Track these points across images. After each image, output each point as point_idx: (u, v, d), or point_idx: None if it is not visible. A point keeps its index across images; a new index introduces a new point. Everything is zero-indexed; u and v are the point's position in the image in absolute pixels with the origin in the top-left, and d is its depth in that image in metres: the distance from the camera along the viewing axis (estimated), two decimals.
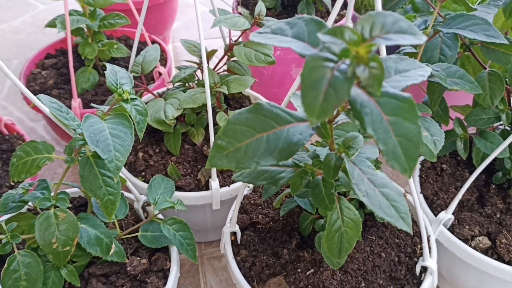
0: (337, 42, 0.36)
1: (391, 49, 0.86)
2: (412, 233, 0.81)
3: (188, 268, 1.05)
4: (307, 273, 0.75)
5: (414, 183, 0.92)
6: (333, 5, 1.31)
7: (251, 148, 0.48)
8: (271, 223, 0.83)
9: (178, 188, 0.92)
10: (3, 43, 1.75)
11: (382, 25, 0.39)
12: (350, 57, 0.37)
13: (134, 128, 0.65)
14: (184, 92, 0.92)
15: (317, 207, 0.63)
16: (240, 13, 1.29)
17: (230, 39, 0.98)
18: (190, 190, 0.92)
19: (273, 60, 0.88)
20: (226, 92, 0.91)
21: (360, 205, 0.79)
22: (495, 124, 0.83)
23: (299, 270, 0.76)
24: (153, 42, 1.31)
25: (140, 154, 0.99)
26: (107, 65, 0.67)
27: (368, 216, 0.83)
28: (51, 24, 1.08)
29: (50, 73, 1.21)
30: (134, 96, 0.66)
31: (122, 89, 0.65)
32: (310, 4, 1.19)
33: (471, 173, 0.91)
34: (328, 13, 1.30)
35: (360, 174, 0.53)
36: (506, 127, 0.83)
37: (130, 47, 1.31)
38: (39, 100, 0.68)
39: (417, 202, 0.86)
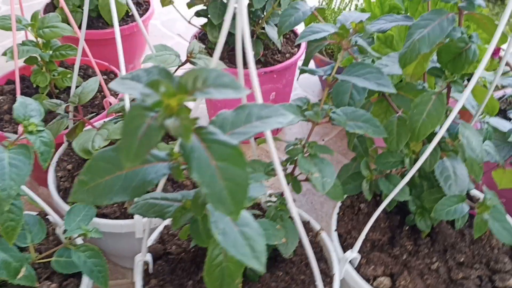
0: (152, 94, 0.40)
1: None
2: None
3: None
4: None
5: (332, 221, 0.95)
6: (284, 43, 1.36)
7: (109, 184, 0.51)
8: (182, 253, 0.85)
9: (104, 216, 0.95)
10: None
11: (204, 79, 0.43)
12: (162, 108, 0.40)
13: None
14: (115, 123, 0.96)
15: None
16: None
17: None
18: (116, 218, 0.95)
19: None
20: None
21: None
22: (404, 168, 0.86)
23: None
24: (110, 71, 1.36)
25: (76, 180, 1.02)
26: (18, 97, 0.71)
27: (278, 251, 0.86)
28: (4, 53, 1.13)
29: (7, 98, 1.26)
30: (42, 128, 0.70)
31: (28, 121, 0.68)
32: (259, 41, 1.24)
33: (385, 213, 0.93)
34: (279, 51, 1.35)
35: None
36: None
37: (89, 76, 1.37)
38: None
39: (328, 240, 0.89)
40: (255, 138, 1.49)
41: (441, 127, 0.81)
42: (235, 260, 0.66)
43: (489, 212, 0.77)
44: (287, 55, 1.34)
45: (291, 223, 0.80)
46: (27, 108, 0.71)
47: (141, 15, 1.61)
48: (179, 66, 0.98)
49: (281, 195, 0.83)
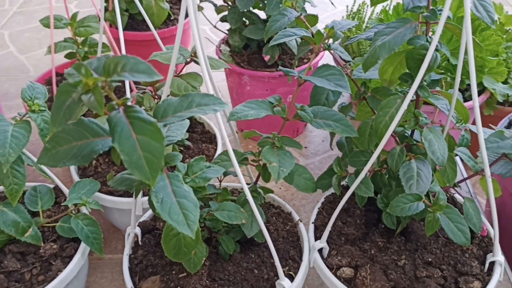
0: (75, 75, 0.50)
1: None
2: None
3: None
4: (180, 276, 0.87)
5: (312, 214, 1.01)
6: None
7: (65, 152, 0.62)
8: None
9: (110, 193, 1.07)
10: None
11: (123, 65, 0.52)
12: (81, 86, 0.50)
13: None
14: None
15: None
16: (220, 50, 1.44)
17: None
18: (120, 196, 1.07)
19: (198, 91, 1.02)
20: None
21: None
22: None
23: (174, 272, 0.88)
24: None
25: (93, 162, 1.15)
26: (29, 82, 0.84)
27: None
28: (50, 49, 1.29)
29: (51, 88, 1.42)
30: (44, 108, 0.83)
31: (33, 102, 0.81)
32: (275, 46, 1.32)
33: (363, 211, 0.98)
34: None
35: (167, 184, 0.65)
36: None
37: None
38: None
39: (304, 231, 0.95)
40: (241, 131, 1.58)
41: (406, 128, 0.86)
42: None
43: (442, 212, 0.80)
44: (305, 60, 1.40)
45: (260, 208, 0.88)
46: (34, 90, 0.84)
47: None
48: (186, 63, 1.08)
49: (255, 183, 0.91)
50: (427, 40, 0.80)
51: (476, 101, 0.72)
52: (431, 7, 0.80)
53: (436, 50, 0.79)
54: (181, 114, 0.63)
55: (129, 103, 0.57)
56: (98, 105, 0.50)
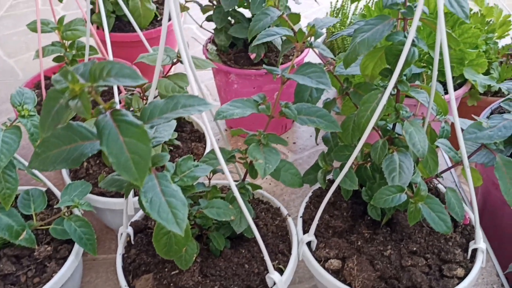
0: (62, 81, 0.52)
1: None
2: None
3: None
4: (172, 273, 0.89)
5: (300, 208, 1.03)
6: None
7: (55, 156, 0.64)
8: None
9: (102, 194, 1.09)
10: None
11: (109, 71, 0.54)
12: (68, 92, 0.52)
13: None
14: None
15: None
16: (207, 49, 1.46)
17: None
18: (111, 196, 1.09)
19: (185, 91, 1.04)
20: None
21: None
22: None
23: (166, 269, 0.90)
24: None
25: (85, 164, 1.17)
26: (18, 88, 0.86)
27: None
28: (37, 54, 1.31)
29: (40, 92, 1.44)
30: (34, 114, 0.84)
31: (22, 107, 0.83)
32: (261, 44, 1.34)
33: (350, 204, 1.01)
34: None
35: (155, 184, 0.67)
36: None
37: None
38: None
39: (292, 224, 0.98)
40: (230, 128, 1.60)
41: (388, 122, 0.88)
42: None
43: (424, 202, 0.83)
44: (291, 57, 1.43)
45: (248, 205, 0.90)
46: (23, 96, 0.85)
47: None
48: (173, 64, 1.10)
49: (243, 180, 0.93)
50: (405, 36, 0.82)
51: (452, 94, 0.74)
52: (408, 4, 0.82)
53: (414, 45, 0.82)
54: (167, 115, 0.65)
55: (116, 107, 0.59)
56: (85, 110, 0.52)
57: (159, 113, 0.66)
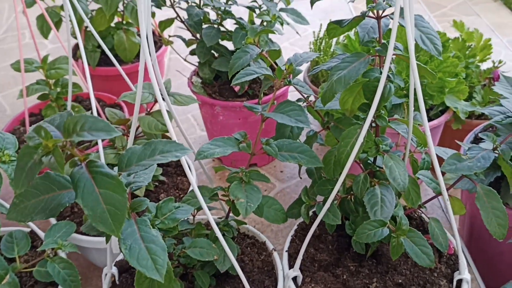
0: (35, 138, 0.53)
1: None
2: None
3: None
4: None
5: (286, 242, 1.03)
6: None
7: (33, 206, 0.64)
8: None
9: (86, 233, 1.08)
10: None
11: (82, 125, 0.55)
12: (41, 148, 0.53)
13: None
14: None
15: None
16: (192, 82, 1.47)
17: None
18: (94, 236, 1.08)
19: (166, 129, 1.05)
20: None
21: None
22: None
23: None
24: (117, 104, 1.52)
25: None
26: None
27: None
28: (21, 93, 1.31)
29: (25, 129, 1.44)
30: (14, 158, 0.84)
31: (3, 153, 0.83)
32: None
33: (335, 237, 1.01)
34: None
35: (135, 230, 0.67)
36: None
37: (85, 107, 1.51)
38: None
39: (278, 259, 0.98)
40: (219, 159, 1.59)
41: (368, 156, 0.89)
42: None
43: (406, 236, 0.83)
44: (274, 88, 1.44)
45: (231, 242, 0.90)
46: (4, 141, 0.86)
47: (156, 52, 1.77)
48: (155, 103, 1.11)
49: (226, 217, 0.94)
50: (380, 73, 0.83)
51: (427, 128, 0.75)
52: (382, 41, 0.84)
53: (390, 81, 0.83)
54: (144, 162, 0.66)
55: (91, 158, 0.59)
56: (59, 165, 0.52)
57: (137, 160, 0.66)
